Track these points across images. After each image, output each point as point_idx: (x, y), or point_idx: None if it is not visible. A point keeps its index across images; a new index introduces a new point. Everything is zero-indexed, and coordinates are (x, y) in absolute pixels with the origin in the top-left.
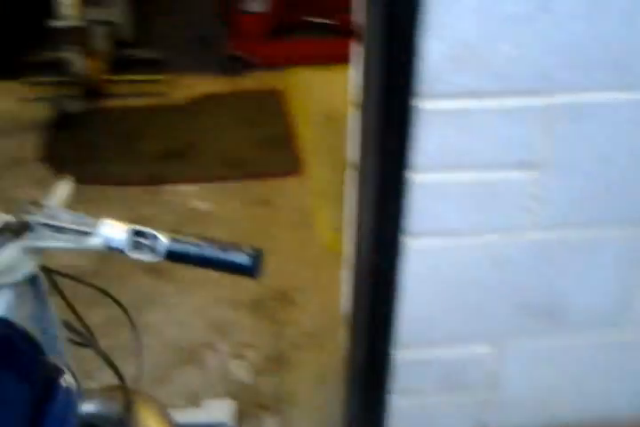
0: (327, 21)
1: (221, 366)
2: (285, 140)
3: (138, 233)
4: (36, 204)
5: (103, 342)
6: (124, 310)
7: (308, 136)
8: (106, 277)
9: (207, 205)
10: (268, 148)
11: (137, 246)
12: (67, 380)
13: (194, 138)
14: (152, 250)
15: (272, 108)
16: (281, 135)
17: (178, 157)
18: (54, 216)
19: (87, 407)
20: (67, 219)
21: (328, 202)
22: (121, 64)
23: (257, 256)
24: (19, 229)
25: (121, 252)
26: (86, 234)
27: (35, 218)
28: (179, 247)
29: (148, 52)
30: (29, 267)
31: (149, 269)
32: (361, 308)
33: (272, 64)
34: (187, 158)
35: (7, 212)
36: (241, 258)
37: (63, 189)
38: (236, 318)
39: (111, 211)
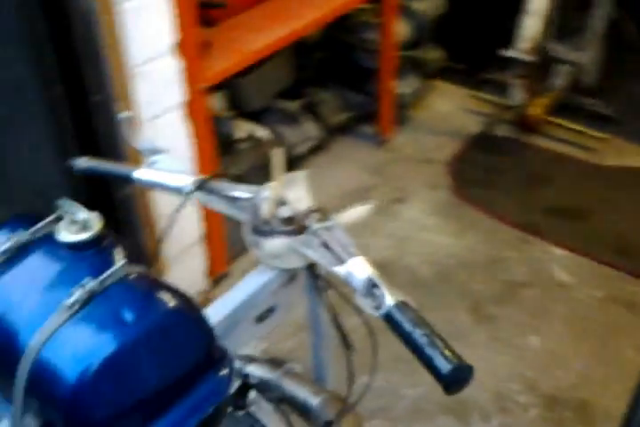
0: None
1: None
2: None
3: (374, 284)
4: (324, 213)
5: None
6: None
7: None
8: None
9: (569, 278)
10: None
11: (367, 293)
12: (226, 367)
13: (594, 206)
14: (376, 305)
15: None
16: None
17: (567, 216)
18: (331, 231)
19: (302, 393)
20: (338, 239)
21: None
22: (567, 107)
23: (459, 369)
24: (298, 230)
25: (354, 291)
26: (339, 260)
27: (316, 226)
28: (396, 316)
29: (602, 106)
30: (293, 263)
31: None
32: None
33: None
34: (574, 222)
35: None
36: (441, 363)
37: (361, 210)
38: None
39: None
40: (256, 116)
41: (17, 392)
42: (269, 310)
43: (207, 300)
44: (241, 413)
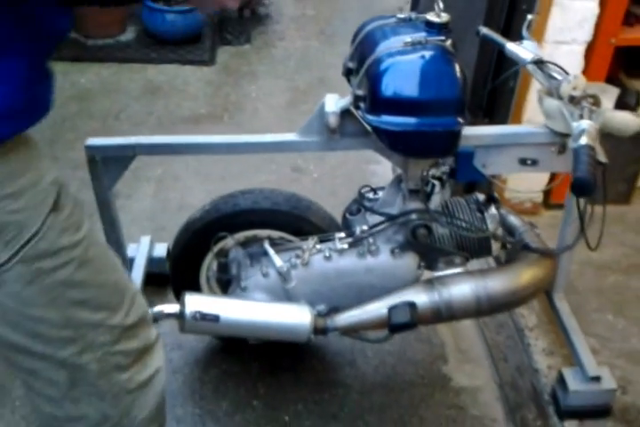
0: None
1: None
2: None
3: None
4: (597, 103)
5: None
6: None
7: None
8: None
9: None
10: None
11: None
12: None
13: None
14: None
15: None
16: None
17: None
18: (593, 113)
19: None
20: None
21: None
22: None
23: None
24: (573, 102)
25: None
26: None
27: (584, 104)
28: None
29: None
30: (559, 127)
31: None
32: None
33: None
34: None
35: None
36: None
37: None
38: None
39: None
40: None
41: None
42: (534, 162)
43: None
44: None
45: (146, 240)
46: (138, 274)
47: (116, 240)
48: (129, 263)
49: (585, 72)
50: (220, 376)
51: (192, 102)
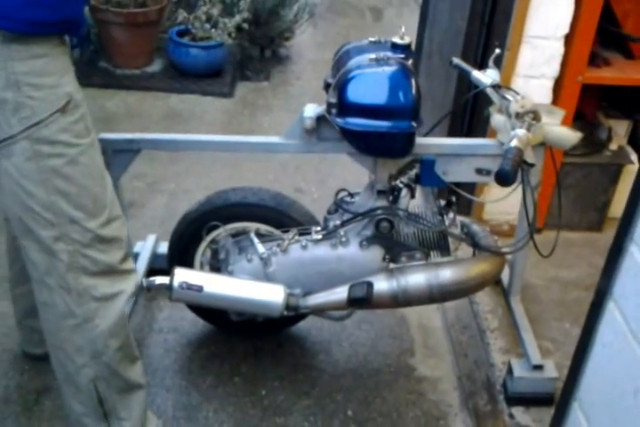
0: None
1: None
2: None
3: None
4: (538, 118)
5: None
6: None
7: None
8: None
9: None
10: None
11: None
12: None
13: None
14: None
15: None
16: None
17: None
18: (532, 126)
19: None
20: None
21: None
22: None
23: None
24: (517, 117)
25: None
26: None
27: (526, 119)
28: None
29: None
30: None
31: None
32: None
33: None
34: None
35: None
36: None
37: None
38: None
39: None
40: None
41: None
42: (488, 172)
43: None
44: None
45: (151, 238)
46: (141, 266)
47: None
48: (134, 258)
49: (554, 105)
50: (207, 356)
51: (208, 127)
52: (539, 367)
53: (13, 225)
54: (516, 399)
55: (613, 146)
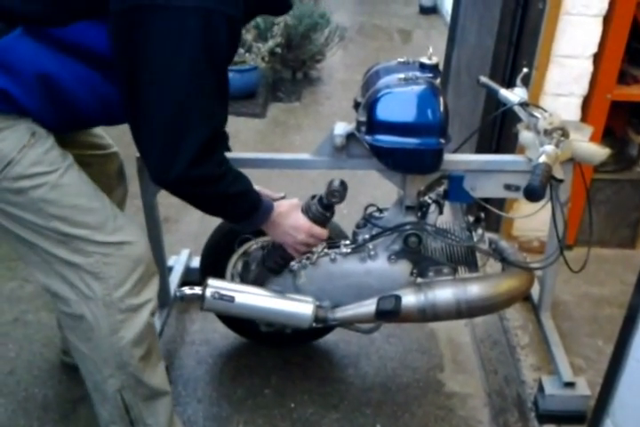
0: None
1: None
2: None
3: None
4: (566, 134)
5: None
6: None
7: None
8: None
9: None
10: None
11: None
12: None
13: None
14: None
15: None
16: None
17: None
18: (561, 142)
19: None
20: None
21: None
22: None
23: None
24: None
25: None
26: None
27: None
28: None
29: None
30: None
31: None
32: None
33: None
34: None
35: None
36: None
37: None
38: None
39: None
40: None
41: None
42: (517, 188)
43: None
44: None
45: (185, 252)
46: (175, 279)
47: (156, 238)
48: (168, 271)
49: (583, 122)
50: (238, 368)
51: (240, 146)
52: (570, 385)
53: (31, 259)
54: (547, 417)
55: None
